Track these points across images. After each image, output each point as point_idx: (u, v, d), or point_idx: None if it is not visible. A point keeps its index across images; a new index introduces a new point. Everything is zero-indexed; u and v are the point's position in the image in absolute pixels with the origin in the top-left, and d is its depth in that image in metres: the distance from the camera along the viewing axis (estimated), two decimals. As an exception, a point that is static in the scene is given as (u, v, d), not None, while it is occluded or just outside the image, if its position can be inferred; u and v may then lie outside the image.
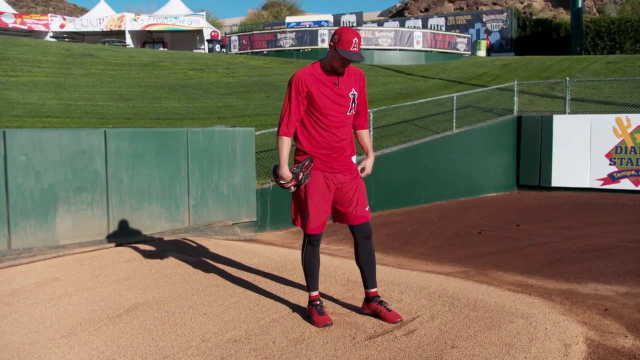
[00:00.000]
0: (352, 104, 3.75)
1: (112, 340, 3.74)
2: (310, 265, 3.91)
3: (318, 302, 3.93)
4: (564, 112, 13.88)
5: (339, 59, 3.58)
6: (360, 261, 3.96)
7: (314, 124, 3.70)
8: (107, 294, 4.71)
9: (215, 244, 6.61)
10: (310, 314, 3.91)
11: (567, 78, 14.60)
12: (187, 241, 6.85)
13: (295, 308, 4.19)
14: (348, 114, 3.76)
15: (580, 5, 29.31)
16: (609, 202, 11.81)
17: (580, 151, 13.11)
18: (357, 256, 3.98)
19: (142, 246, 6.55)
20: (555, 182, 13.39)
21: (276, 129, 3.77)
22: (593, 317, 4.23)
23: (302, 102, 3.66)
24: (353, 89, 3.75)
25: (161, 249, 6.35)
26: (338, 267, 5.42)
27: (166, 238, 7.07)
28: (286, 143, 3.70)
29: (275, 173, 3.71)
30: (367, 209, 3.88)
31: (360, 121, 3.94)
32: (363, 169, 3.98)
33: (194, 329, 3.87)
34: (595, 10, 39.61)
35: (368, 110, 4.08)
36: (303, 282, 4.86)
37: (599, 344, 3.62)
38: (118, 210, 7.44)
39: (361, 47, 3.66)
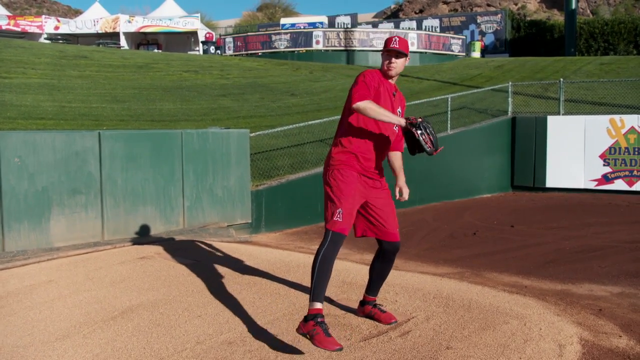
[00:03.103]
0: None
1: (106, 342, 3.73)
2: (325, 267, 3.51)
3: (322, 320, 3.40)
4: (558, 113, 13.91)
5: (383, 56, 3.75)
6: (377, 270, 3.97)
7: (368, 123, 3.67)
8: (101, 297, 4.69)
9: (210, 246, 6.60)
10: (313, 333, 3.34)
11: (561, 79, 14.66)
12: (181, 243, 6.83)
13: (290, 310, 4.19)
14: (395, 127, 3.79)
15: (574, 6, 29.41)
16: (603, 202, 11.85)
17: (575, 152, 13.15)
18: (375, 264, 3.96)
19: (136, 248, 6.53)
20: (550, 183, 13.42)
21: (354, 103, 3.56)
22: (587, 317, 4.25)
23: (372, 88, 3.63)
24: (399, 108, 3.84)
25: (156, 251, 6.33)
26: (332, 269, 5.41)
27: (161, 240, 7.05)
28: (374, 104, 3.55)
29: (408, 132, 3.51)
30: (397, 229, 3.87)
31: (397, 143, 3.96)
32: (401, 192, 3.97)
33: (188, 331, 3.86)
34: (589, 11, 39.78)
35: None
36: (298, 282, 4.87)
37: (594, 344, 3.64)
38: (112, 212, 7.42)
39: (392, 47, 3.70)
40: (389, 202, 3.84)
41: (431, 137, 3.46)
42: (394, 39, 3.72)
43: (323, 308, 3.48)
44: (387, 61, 3.72)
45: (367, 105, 3.52)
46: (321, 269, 3.50)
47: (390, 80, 3.79)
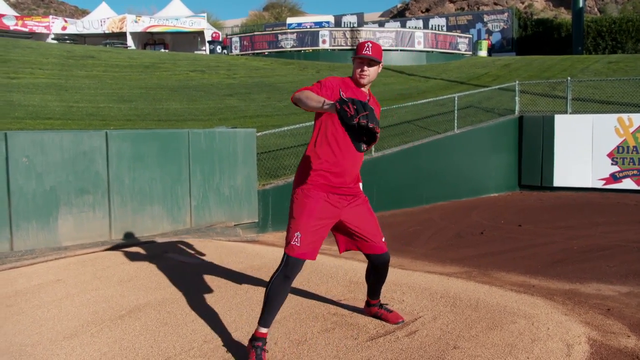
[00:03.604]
0: None
1: (114, 341, 3.74)
2: (276, 297, 3.33)
3: (259, 345, 3.31)
4: (565, 112, 13.85)
5: (354, 62, 3.46)
6: (372, 281, 3.87)
7: (336, 136, 3.38)
8: (109, 296, 4.71)
9: (216, 245, 6.61)
10: (247, 356, 3.32)
11: (569, 78, 14.58)
12: (188, 242, 6.85)
13: (297, 309, 4.19)
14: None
15: (581, 5, 29.30)
16: (611, 202, 11.78)
17: (582, 151, 13.09)
18: (370, 275, 3.86)
19: (144, 247, 6.56)
20: (557, 182, 13.37)
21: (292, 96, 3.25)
22: (595, 317, 4.22)
23: (327, 88, 3.34)
24: None
25: (163, 250, 6.35)
26: (340, 268, 5.42)
27: (168, 239, 7.08)
28: (308, 92, 3.16)
29: (341, 111, 2.76)
30: (383, 239, 3.66)
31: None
32: None
33: (196, 330, 3.87)
34: (596, 9, 39.58)
35: None
36: (304, 282, 4.87)
37: (602, 344, 3.62)
38: (120, 211, 7.45)
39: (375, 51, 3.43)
40: (367, 214, 3.59)
41: (355, 106, 2.74)
42: (366, 45, 3.40)
43: (268, 333, 3.38)
44: (359, 69, 3.41)
45: (299, 96, 3.14)
46: (271, 294, 3.33)
47: (362, 89, 3.48)
